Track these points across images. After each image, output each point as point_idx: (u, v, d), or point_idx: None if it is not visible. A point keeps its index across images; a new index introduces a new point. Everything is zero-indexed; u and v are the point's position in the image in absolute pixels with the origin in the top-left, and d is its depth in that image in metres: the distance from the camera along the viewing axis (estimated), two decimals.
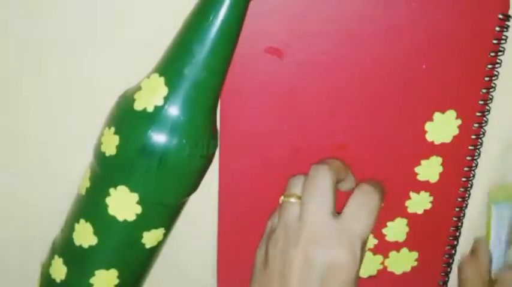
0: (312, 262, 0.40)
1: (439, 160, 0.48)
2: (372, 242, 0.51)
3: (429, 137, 0.48)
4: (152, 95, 0.39)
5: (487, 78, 0.46)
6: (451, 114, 0.47)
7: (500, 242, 0.51)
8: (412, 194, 0.49)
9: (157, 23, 0.44)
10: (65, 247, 0.44)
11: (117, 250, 0.43)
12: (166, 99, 0.39)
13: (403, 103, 0.47)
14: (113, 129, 0.40)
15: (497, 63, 0.46)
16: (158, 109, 0.39)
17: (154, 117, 0.39)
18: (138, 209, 0.41)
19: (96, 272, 0.43)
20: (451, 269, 0.53)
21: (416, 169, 0.49)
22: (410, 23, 0.45)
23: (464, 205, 0.50)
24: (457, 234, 0.51)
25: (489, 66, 0.46)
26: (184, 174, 0.41)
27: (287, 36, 0.44)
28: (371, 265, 0.52)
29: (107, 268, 0.43)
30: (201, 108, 0.40)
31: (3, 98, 0.47)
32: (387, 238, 0.51)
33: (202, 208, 0.49)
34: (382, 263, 0.52)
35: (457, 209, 0.50)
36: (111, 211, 0.41)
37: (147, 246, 0.43)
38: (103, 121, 0.42)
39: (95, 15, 0.45)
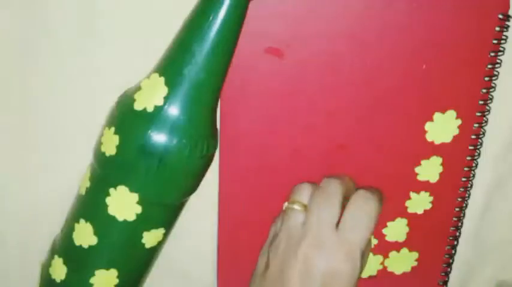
0: (312, 268, 0.40)
1: (439, 160, 0.48)
2: (372, 242, 0.51)
3: (429, 137, 0.48)
4: (152, 95, 0.39)
5: (487, 78, 0.46)
6: (451, 114, 0.47)
7: None
8: (412, 194, 0.49)
9: (157, 23, 0.44)
10: (65, 247, 0.44)
11: (117, 250, 0.43)
12: (166, 99, 0.39)
13: (403, 103, 0.47)
14: (113, 129, 0.40)
15: (497, 63, 0.46)
16: (158, 109, 0.39)
17: (154, 117, 0.39)
18: (138, 209, 0.41)
19: (96, 272, 0.43)
20: (451, 269, 0.53)
21: (416, 169, 0.49)
22: (410, 23, 0.45)
23: (464, 205, 0.50)
24: (457, 234, 0.51)
25: (489, 66, 0.46)
26: (184, 174, 0.41)
27: (287, 36, 0.44)
28: (371, 265, 0.52)
29: (107, 268, 0.43)
30: (201, 108, 0.40)
31: (3, 98, 0.47)
32: (387, 238, 0.51)
33: (202, 208, 0.49)
34: (382, 263, 0.52)
35: (457, 209, 0.50)
36: (111, 211, 0.41)
37: (147, 246, 0.43)
38: (103, 121, 0.42)
39: (95, 15, 0.45)
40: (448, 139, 0.48)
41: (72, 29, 0.45)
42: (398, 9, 0.44)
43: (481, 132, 0.48)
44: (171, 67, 0.39)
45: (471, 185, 0.50)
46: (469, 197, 0.50)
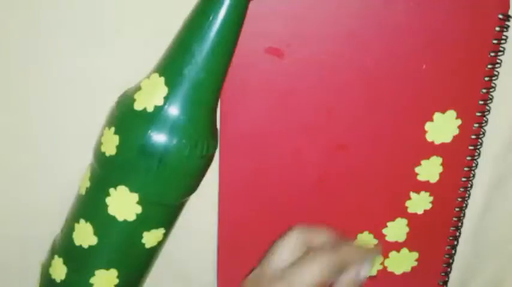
0: None
1: (439, 160, 0.48)
2: (372, 242, 0.51)
3: (429, 137, 0.48)
4: (152, 95, 0.39)
5: (487, 78, 0.46)
6: (451, 114, 0.47)
7: None
8: (412, 194, 0.49)
9: (157, 23, 0.44)
10: (65, 247, 0.44)
11: (117, 250, 0.43)
12: (166, 99, 0.39)
13: (403, 103, 0.47)
14: (113, 129, 0.40)
15: (497, 63, 0.46)
16: (158, 109, 0.39)
17: (154, 117, 0.39)
18: (138, 209, 0.41)
19: (96, 272, 0.43)
20: (451, 269, 0.53)
21: (416, 169, 0.49)
22: (410, 23, 0.45)
23: (464, 205, 0.50)
24: (457, 234, 0.51)
25: (489, 66, 0.46)
26: (184, 174, 0.41)
27: (287, 36, 0.44)
28: None
29: (107, 268, 0.43)
30: (201, 108, 0.40)
31: (3, 98, 0.47)
32: (387, 238, 0.51)
33: (202, 208, 0.49)
34: (382, 263, 0.52)
35: (457, 209, 0.50)
36: (111, 211, 0.41)
37: (147, 246, 0.43)
38: (103, 121, 0.42)
39: (95, 16, 0.45)
40: (448, 139, 0.48)
41: (72, 29, 0.45)
42: (398, 9, 0.44)
43: (481, 132, 0.48)
44: (171, 67, 0.39)
45: (471, 185, 0.50)
46: (469, 197, 0.50)
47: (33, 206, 0.50)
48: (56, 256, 0.45)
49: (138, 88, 0.40)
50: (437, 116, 0.47)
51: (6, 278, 0.53)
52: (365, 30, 0.45)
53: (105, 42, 0.46)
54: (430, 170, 0.49)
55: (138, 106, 0.40)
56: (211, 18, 0.38)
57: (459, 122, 0.47)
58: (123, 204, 0.41)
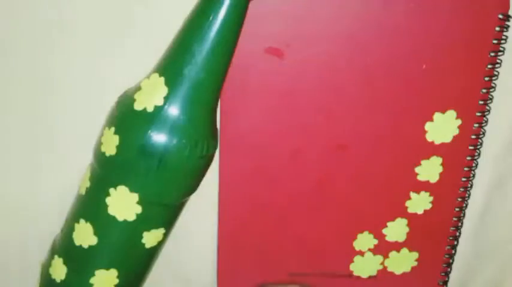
0: None
1: (439, 160, 0.48)
2: (372, 242, 0.51)
3: (429, 137, 0.48)
4: (152, 95, 0.39)
5: (487, 78, 0.46)
6: (451, 114, 0.47)
7: None
8: (412, 194, 0.49)
9: (158, 23, 0.44)
10: (65, 247, 0.44)
11: (117, 250, 0.43)
12: (166, 99, 0.39)
13: (403, 103, 0.47)
14: (113, 129, 0.40)
15: (497, 63, 0.46)
16: (158, 109, 0.39)
17: (154, 117, 0.39)
18: (138, 209, 0.41)
19: (96, 272, 0.43)
20: (451, 269, 0.53)
21: (416, 169, 0.49)
22: (410, 24, 0.45)
23: (464, 205, 0.50)
24: (457, 234, 0.51)
25: (489, 66, 0.46)
26: (184, 174, 0.41)
27: (287, 36, 0.44)
28: (371, 265, 0.52)
29: (107, 268, 0.43)
30: (201, 108, 0.40)
31: (3, 98, 0.47)
32: (387, 238, 0.51)
33: (202, 208, 0.49)
34: (382, 263, 0.52)
35: (457, 209, 0.50)
36: (111, 211, 0.41)
37: (147, 246, 0.43)
38: (103, 121, 0.42)
39: (95, 16, 0.45)
40: (448, 139, 0.48)
41: (73, 30, 0.45)
42: (398, 9, 0.44)
43: (481, 132, 0.48)
44: (171, 67, 0.39)
45: (471, 185, 0.50)
46: (469, 197, 0.50)
47: (33, 206, 0.50)
48: (56, 256, 0.45)
49: (138, 88, 0.40)
50: (437, 116, 0.47)
51: (6, 278, 0.53)
52: (365, 31, 0.45)
53: (106, 42, 0.46)
54: (430, 170, 0.49)
55: (138, 106, 0.40)
56: (211, 18, 0.38)
57: (459, 122, 0.47)
58: (123, 204, 0.41)
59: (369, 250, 0.51)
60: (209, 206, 0.49)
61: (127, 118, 0.40)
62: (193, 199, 0.44)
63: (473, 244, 0.54)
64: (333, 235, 0.51)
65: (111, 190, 0.41)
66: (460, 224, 0.51)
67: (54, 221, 0.47)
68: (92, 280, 0.43)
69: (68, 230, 0.44)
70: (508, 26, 0.45)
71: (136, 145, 0.39)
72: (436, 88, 0.46)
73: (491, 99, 0.47)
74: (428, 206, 0.50)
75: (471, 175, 0.49)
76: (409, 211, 0.50)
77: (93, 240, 0.42)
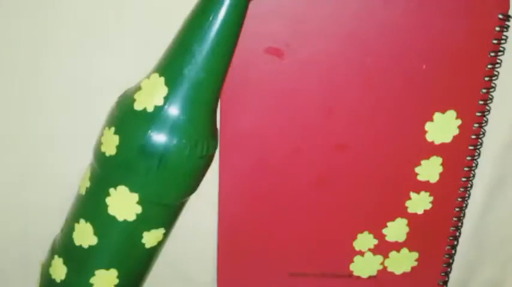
0: None
1: (439, 160, 0.48)
2: (372, 242, 0.51)
3: (429, 137, 0.48)
4: (152, 95, 0.39)
5: (487, 78, 0.46)
6: (451, 114, 0.47)
7: None
8: (412, 194, 0.49)
9: (158, 23, 0.44)
10: (65, 247, 0.44)
11: (117, 250, 0.43)
12: (166, 99, 0.39)
13: (403, 103, 0.47)
14: (113, 129, 0.40)
15: (497, 63, 0.46)
16: (158, 109, 0.39)
17: (154, 117, 0.39)
18: (138, 209, 0.41)
19: (96, 272, 0.43)
20: (451, 269, 0.53)
21: (416, 169, 0.49)
22: (410, 23, 0.45)
23: (464, 205, 0.50)
24: (457, 234, 0.51)
25: (489, 66, 0.46)
26: (184, 174, 0.41)
27: (287, 36, 0.44)
28: (371, 265, 0.52)
29: (107, 268, 0.43)
30: (201, 108, 0.40)
31: (3, 98, 0.47)
32: (387, 238, 0.51)
33: (202, 208, 0.49)
34: (382, 263, 0.52)
35: (457, 209, 0.50)
36: (111, 211, 0.41)
37: (147, 246, 0.43)
38: (103, 121, 0.42)
39: (95, 15, 0.45)
40: (448, 139, 0.48)
41: (72, 29, 0.45)
42: (398, 9, 0.44)
43: (481, 132, 0.48)
44: (171, 67, 0.39)
45: (471, 185, 0.50)
46: (469, 197, 0.50)
47: (33, 206, 0.50)
48: (56, 256, 0.45)
49: (138, 88, 0.40)
50: (437, 116, 0.47)
51: (6, 278, 0.53)
52: (365, 30, 0.45)
53: (106, 42, 0.46)
54: (430, 170, 0.49)
55: (138, 106, 0.40)
56: (211, 18, 0.38)
57: (459, 122, 0.47)
58: (123, 204, 0.41)
59: (369, 250, 0.51)
60: (209, 206, 0.49)
61: (127, 118, 0.40)
62: (193, 199, 0.44)
63: (473, 244, 0.54)
64: (333, 235, 0.51)
65: (111, 190, 0.41)
66: (460, 224, 0.51)
67: (54, 221, 0.47)
68: (92, 280, 0.43)
69: (68, 230, 0.44)
70: (508, 26, 0.45)
71: (136, 145, 0.39)
72: (436, 88, 0.46)
73: (491, 99, 0.47)
74: (428, 206, 0.50)
75: (471, 175, 0.49)
76: (409, 211, 0.50)
77: (93, 240, 0.42)
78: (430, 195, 0.50)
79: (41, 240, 0.48)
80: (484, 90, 0.47)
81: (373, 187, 0.49)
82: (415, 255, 0.52)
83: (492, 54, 0.46)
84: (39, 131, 0.48)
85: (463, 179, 0.49)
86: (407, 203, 0.50)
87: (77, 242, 0.43)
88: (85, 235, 0.42)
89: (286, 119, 0.47)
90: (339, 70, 0.45)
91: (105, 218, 0.41)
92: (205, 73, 0.39)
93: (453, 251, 0.52)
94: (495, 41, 0.45)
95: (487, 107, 0.47)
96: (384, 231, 0.51)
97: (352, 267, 0.52)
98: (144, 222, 0.42)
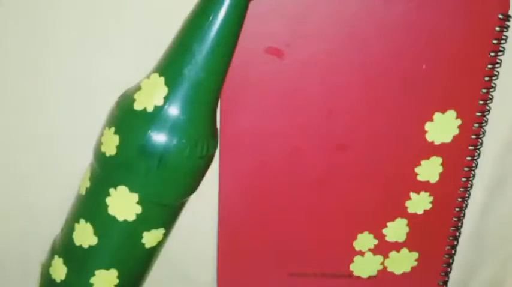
0: None
1: (439, 160, 0.48)
2: (372, 242, 0.51)
3: (429, 137, 0.48)
4: (152, 95, 0.39)
5: (487, 78, 0.46)
6: (451, 114, 0.47)
7: None
8: (412, 194, 0.49)
9: (158, 23, 0.44)
10: (65, 247, 0.44)
11: (117, 250, 0.43)
12: (166, 99, 0.39)
13: (403, 103, 0.47)
14: (113, 129, 0.40)
15: (497, 63, 0.46)
16: (158, 109, 0.39)
17: (154, 117, 0.39)
18: (138, 209, 0.41)
19: (96, 272, 0.43)
20: (451, 269, 0.53)
21: (416, 169, 0.49)
22: (410, 23, 0.45)
23: (464, 205, 0.50)
24: (457, 234, 0.51)
25: (489, 66, 0.46)
26: (184, 174, 0.41)
27: (287, 36, 0.44)
28: (371, 265, 0.52)
29: (107, 268, 0.43)
30: (201, 108, 0.40)
31: (3, 98, 0.47)
32: (387, 238, 0.51)
33: (202, 208, 0.49)
34: (382, 263, 0.52)
35: (457, 209, 0.50)
36: (111, 211, 0.41)
37: (147, 246, 0.43)
38: (103, 121, 0.42)
39: (95, 15, 0.45)
40: (448, 139, 0.48)
41: (72, 29, 0.45)
42: (398, 9, 0.44)
43: (481, 132, 0.48)
44: (171, 67, 0.39)
45: (471, 185, 0.50)
46: (469, 197, 0.50)
47: (33, 206, 0.50)
48: (56, 256, 0.45)
49: (138, 88, 0.40)
50: (437, 116, 0.47)
51: (6, 278, 0.53)
52: (365, 30, 0.45)
53: (106, 42, 0.46)
54: (430, 170, 0.49)
55: (138, 106, 0.40)
56: (211, 18, 0.38)
57: (459, 122, 0.47)
58: (123, 204, 0.41)
59: (369, 250, 0.51)
60: (209, 206, 0.49)
61: (127, 118, 0.40)
62: (193, 199, 0.44)
63: (473, 244, 0.54)
64: (333, 234, 0.51)
65: (111, 190, 0.41)
66: (460, 224, 0.51)
67: (54, 221, 0.47)
68: (92, 280, 0.43)
69: (68, 230, 0.44)
70: (508, 26, 0.45)
71: (136, 145, 0.39)
72: (436, 88, 0.46)
73: (491, 99, 0.47)
74: (428, 206, 0.50)
75: (471, 175, 0.49)
76: (409, 211, 0.50)
77: (93, 240, 0.42)
78: (430, 195, 0.50)
79: (41, 240, 0.48)
80: (484, 90, 0.47)
81: (373, 187, 0.49)
82: (415, 255, 0.52)
83: (492, 54, 0.46)
84: (39, 131, 0.48)
85: (463, 179, 0.49)
86: (407, 203, 0.50)
87: (77, 242, 0.43)
88: (85, 235, 0.42)
89: (286, 119, 0.47)
90: (339, 70, 0.45)
91: (105, 218, 0.41)
92: (205, 73, 0.39)
93: (453, 251, 0.52)
94: (495, 41, 0.45)
95: (487, 107, 0.47)
96: (384, 231, 0.51)
97: (352, 267, 0.52)
98: (144, 222, 0.42)
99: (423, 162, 0.48)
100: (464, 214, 0.51)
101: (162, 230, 0.43)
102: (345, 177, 0.49)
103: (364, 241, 0.51)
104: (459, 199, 0.50)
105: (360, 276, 0.52)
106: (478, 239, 0.54)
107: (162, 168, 0.40)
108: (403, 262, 0.52)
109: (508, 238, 0.54)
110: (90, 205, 0.42)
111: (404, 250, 0.51)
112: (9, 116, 0.48)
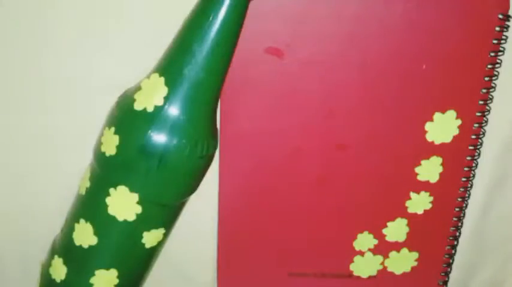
0: None
1: (439, 160, 0.48)
2: (372, 242, 0.51)
3: (429, 137, 0.48)
4: (152, 95, 0.39)
5: (487, 78, 0.46)
6: (451, 114, 0.47)
7: None
8: (412, 194, 0.49)
9: (157, 23, 0.44)
10: (65, 247, 0.44)
11: (117, 250, 0.43)
12: (166, 99, 0.39)
13: (403, 103, 0.47)
14: (113, 129, 0.40)
15: (497, 63, 0.46)
16: (158, 109, 0.39)
17: (154, 117, 0.39)
18: (138, 209, 0.41)
19: (96, 272, 0.43)
20: (451, 269, 0.53)
21: (416, 169, 0.49)
22: (410, 23, 0.45)
23: (464, 205, 0.50)
24: (457, 234, 0.51)
25: (489, 66, 0.46)
26: (184, 174, 0.41)
27: (287, 36, 0.44)
28: (371, 265, 0.52)
29: (107, 268, 0.43)
30: (201, 108, 0.40)
31: (3, 98, 0.47)
32: (387, 238, 0.51)
33: (202, 208, 0.49)
34: (382, 263, 0.52)
35: (457, 209, 0.50)
36: (111, 211, 0.41)
37: (147, 246, 0.43)
38: (103, 121, 0.42)
39: (95, 15, 0.45)
40: (448, 139, 0.48)
41: (72, 29, 0.45)
42: (398, 9, 0.44)
43: (481, 132, 0.48)
44: (171, 67, 0.39)
45: (471, 185, 0.50)
46: (469, 197, 0.50)
47: (33, 206, 0.50)
48: (56, 256, 0.45)
49: (138, 88, 0.41)
50: (437, 116, 0.47)
51: (7, 278, 0.53)
52: (365, 30, 0.45)
53: (105, 42, 0.46)
54: (430, 170, 0.49)
55: (138, 106, 0.40)
56: (211, 18, 0.38)
57: (459, 122, 0.47)
58: (123, 204, 0.41)
59: (369, 250, 0.51)
60: (209, 206, 0.49)
61: (127, 118, 0.40)
62: (193, 199, 0.44)
63: (473, 244, 0.54)
64: (333, 234, 0.51)
65: (111, 190, 0.41)
66: (460, 224, 0.51)
67: (54, 221, 0.47)
68: (92, 280, 0.43)
69: (68, 230, 0.44)
70: (508, 26, 0.45)
71: (136, 145, 0.39)
72: (436, 88, 0.46)
73: (491, 99, 0.47)
74: (428, 206, 0.50)
75: (471, 175, 0.49)
76: (409, 211, 0.50)
77: (93, 240, 0.42)
78: (430, 195, 0.50)
79: (41, 240, 0.48)
80: (484, 90, 0.47)
81: (373, 187, 0.49)
82: (415, 255, 0.52)
83: (492, 54, 0.46)
84: (39, 131, 0.48)
85: (463, 179, 0.49)
86: (407, 203, 0.50)
87: (77, 242, 0.43)
88: (85, 235, 0.42)
89: (286, 119, 0.47)
90: (339, 70, 0.45)
91: (105, 218, 0.41)
92: (205, 73, 0.39)
93: (453, 251, 0.52)
94: (495, 41, 0.45)
95: (487, 107, 0.47)
96: (384, 231, 0.51)
97: (352, 267, 0.52)
98: (144, 222, 0.42)
99: (423, 162, 0.48)
100: (464, 214, 0.51)
101: (162, 230, 0.43)
102: (344, 177, 0.49)
103: (364, 241, 0.51)
104: (459, 199, 0.50)
105: (359, 276, 0.52)
106: (478, 239, 0.54)
107: (162, 168, 0.40)
108: (403, 262, 0.52)
109: (508, 237, 0.54)
110: (90, 205, 0.42)
111: (404, 250, 0.51)
112: (9, 116, 0.48)
